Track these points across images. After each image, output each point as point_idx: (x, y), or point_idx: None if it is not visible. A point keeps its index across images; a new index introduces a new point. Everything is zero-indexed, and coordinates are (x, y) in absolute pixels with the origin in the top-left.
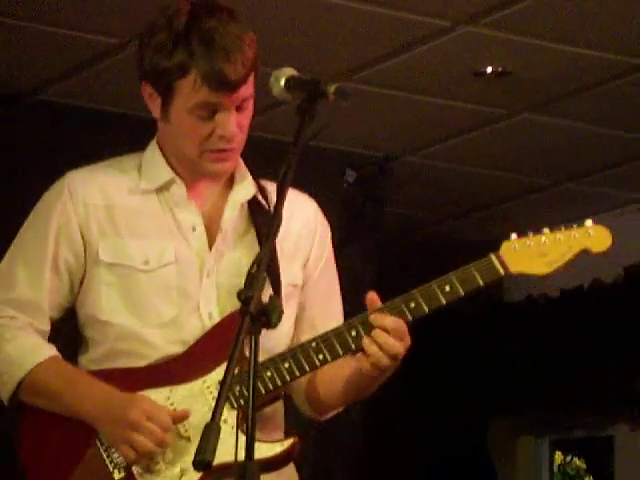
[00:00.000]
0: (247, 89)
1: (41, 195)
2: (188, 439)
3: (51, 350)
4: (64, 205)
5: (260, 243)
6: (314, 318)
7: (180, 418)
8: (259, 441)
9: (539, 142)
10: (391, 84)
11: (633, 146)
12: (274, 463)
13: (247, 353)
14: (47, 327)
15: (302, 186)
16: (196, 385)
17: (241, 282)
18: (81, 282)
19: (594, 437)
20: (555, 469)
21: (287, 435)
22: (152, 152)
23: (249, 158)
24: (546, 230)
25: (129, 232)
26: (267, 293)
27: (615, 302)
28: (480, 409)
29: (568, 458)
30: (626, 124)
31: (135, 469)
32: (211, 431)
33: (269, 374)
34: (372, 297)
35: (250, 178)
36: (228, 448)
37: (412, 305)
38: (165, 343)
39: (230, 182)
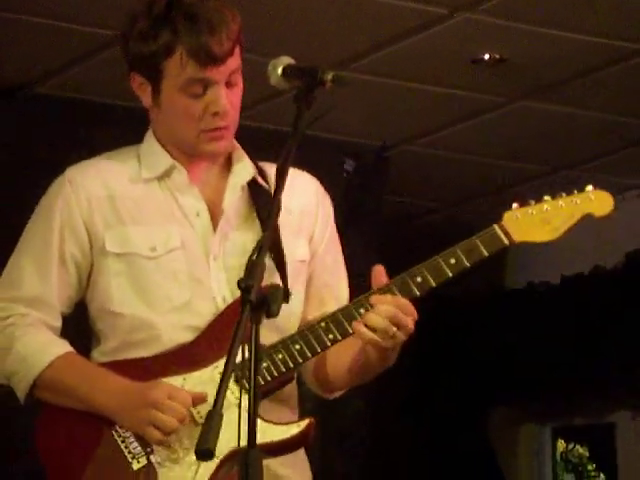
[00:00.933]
0: (234, 61)
1: (40, 189)
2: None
3: (64, 346)
4: (67, 200)
5: (260, 218)
6: (322, 293)
7: (199, 399)
8: (274, 423)
9: (537, 129)
10: (389, 73)
11: (632, 132)
12: (290, 445)
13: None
14: (58, 323)
15: None
16: (208, 371)
17: None
18: (89, 275)
19: (596, 424)
20: (557, 457)
21: (302, 417)
22: (149, 142)
23: (249, 149)
24: (547, 197)
25: (133, 220)
26: (274, 274)
27: (616, 288)
28: (481, 397)
29: (570, 446)
30: (624, 110)
31: (154, 458)
32: (213, 419)
33: (280, 356)
34: (378, 270)
35: (248, 159)
36: (244, 433)
37: (418, 280)
38: (176, 330)
39: (228, 165)
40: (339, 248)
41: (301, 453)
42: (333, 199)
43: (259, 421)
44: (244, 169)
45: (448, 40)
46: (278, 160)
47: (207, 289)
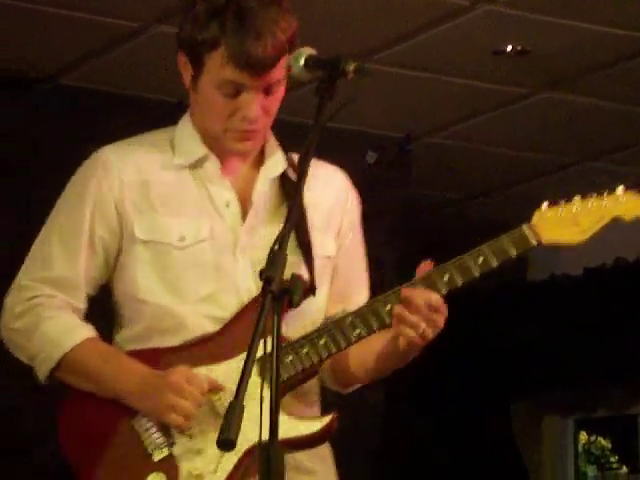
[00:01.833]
0: (276, 73)
1: (61, 178)
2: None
3: (90, 330)
4: (99, 182)
5: (289, 213)
6: (344, 288)
7: (214, 387)
8: (297, 418)
9: (560, 120)
10: (411, 64)
11: None
12: (313, 440)
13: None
14: (84, 305)
15: None
16: (233, 363)
17: None
18: (116, 259)
19: (618, 416)
20: (580, 449)
21: (324, 411)
22: (185, 127)
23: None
24: (577, 198)
25: (164, 208)
26: (302, 269)
27: (639, 280)
28: (504, 390)
29: (593, 438)
30: None
31: (175, 450)
32: (234, 409)
33: (305, 351)
34: (422, 267)
35: (280, 153)
36: (267, 427)
37: (445, 278)
38: (201, 321)
39: (261, 157)
40: (362, 242)
41: (326, 447)
42: (355, 191)
43: (282, 416)
44: (276, 163)
45: (470, 32)
46: (300, 152)
47: (232, 282)
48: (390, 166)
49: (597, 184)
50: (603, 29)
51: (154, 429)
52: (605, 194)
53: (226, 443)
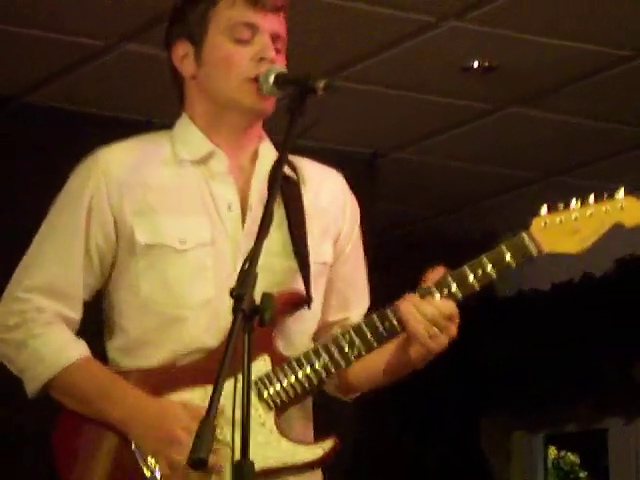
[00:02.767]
0: (281, 25)
1: (29, 197)
2: (228, 444)
3: (82, 349)
4: (96, 184)
5: (288, 215)
6: (346, 295)
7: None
8: (297, 443)
9: (527, 136)
10: (378, 81)
11: (621, 138)
12: (313, 465)
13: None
14: (78, 315)
15: None
16: (231, 383)
17: (273, 261)
18: (112, 265)
19: (588, 431)
20: (549, 464)
21: (318, 433)
22: (184, 126)
23: None
24: (576, 204)
25: (164, 208)
26: (297, 278)
27: (606, 295)
28: (473, 405)
29: (562, 453)
30: (614, 116)
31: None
32: (205, 427)
33: (304, 372)
34: (438, 269)
35: (275, 152)
36: (269, 454)
37: (445, 292)
38: (200, 329)
39: (255, 157)
40: (362, 247)
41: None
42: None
43: (283, 442)
44: (270, 161)
45: (437, 48)
46: (270, 168)
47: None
48: (358, 182)
49: (564, 199)
50: (569, 44)
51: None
52: (605, 198)
53: (197, 462)
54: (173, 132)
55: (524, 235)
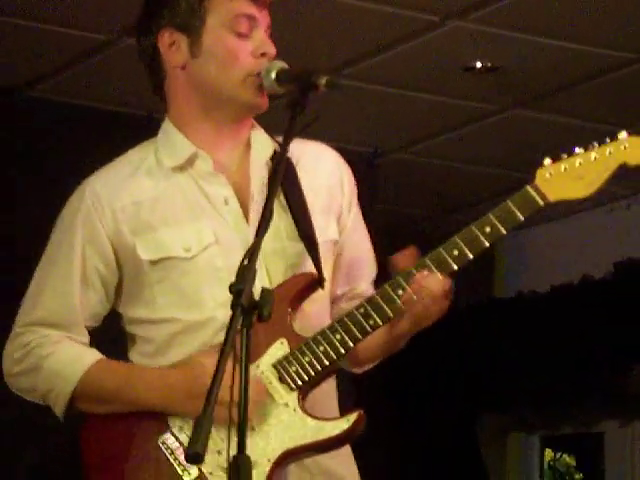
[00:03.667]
0: (269, 19)
1: (30, 189)
2: (252, 429)
3: (94, 354)
4: (88, 215)
5: (288, 201)
6: (351, 267)
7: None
8: (322, 420)
9: (529, 137)
10: (380, 80)
11: None
12: (341, 440)
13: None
14: (85, 338)
15: None
16: (250, 371)
17: (282, 246)
18: (118, 288)
19: (584, 434)
20: (545, 466)
21: (342, 409)
22: (167, 131)
23: None
24: (579, 150)
25: (162, 222)
26: (306, 259)
27: (605, 298)
28: (470, 406)
29: (558, 455)
30: (616, 118)
31: (205, 468)
32: (202, 422)
33: (322, 349)
34: (410, 251)
35: (267, 136)
36: (295, 433)
37: (455, 253)
38: (224, 325)
39: (248, 148)
40: (362, 217)
41: (348, 449)
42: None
43: (308, 419)
44: (264, 146)
45: (440, 48)
46: (271, 166)
47: None
48: (358, 182)
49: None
50: (572, 46)
51: (181, 449)
52: (608, 141)
53: (193, 456)
54: (157, 139)
55: (528, 188)
